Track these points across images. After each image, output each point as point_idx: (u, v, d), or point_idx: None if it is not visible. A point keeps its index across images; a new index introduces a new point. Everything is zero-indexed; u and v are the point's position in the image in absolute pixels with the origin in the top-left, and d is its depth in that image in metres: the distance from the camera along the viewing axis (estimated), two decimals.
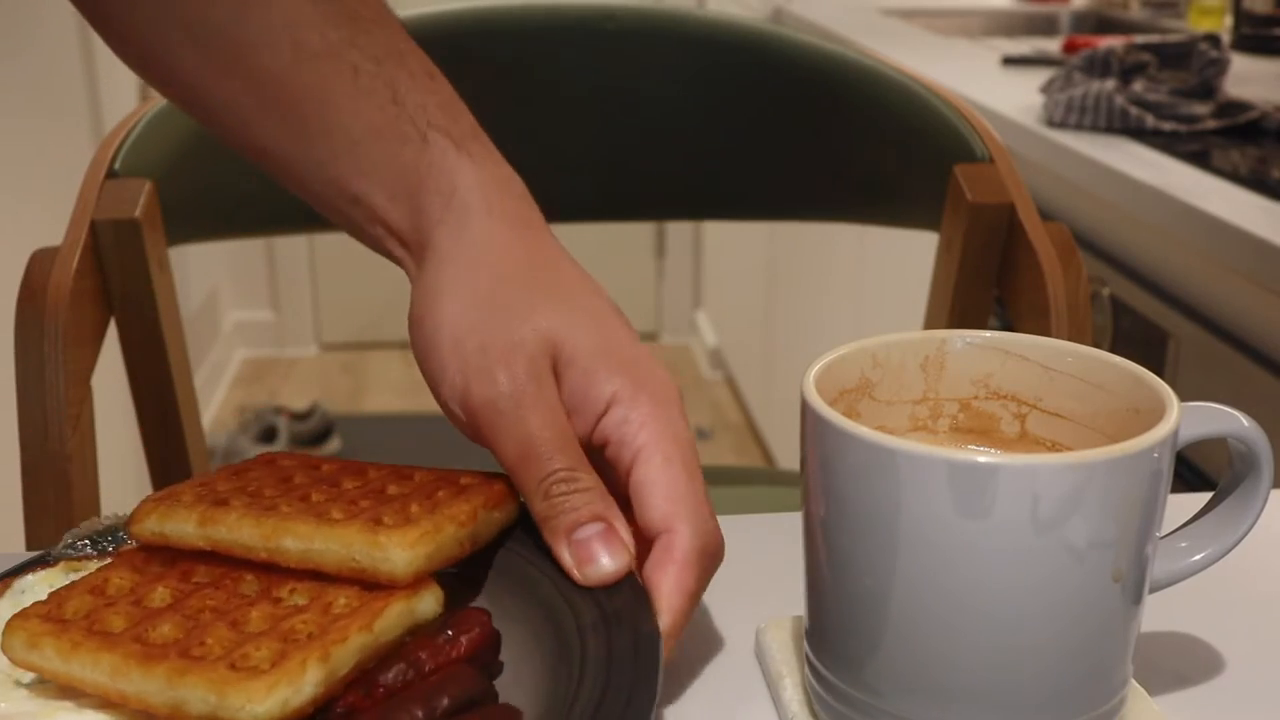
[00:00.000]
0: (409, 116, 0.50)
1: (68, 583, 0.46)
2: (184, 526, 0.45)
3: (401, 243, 0.52)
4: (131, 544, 0.48)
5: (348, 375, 3.17)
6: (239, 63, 0.50)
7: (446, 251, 0.50)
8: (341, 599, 0.43)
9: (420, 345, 0.50)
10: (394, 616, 0.42)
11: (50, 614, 0.43)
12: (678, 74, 0.88)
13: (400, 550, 0.43)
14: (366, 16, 0.52)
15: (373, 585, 0.43)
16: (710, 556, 0.46)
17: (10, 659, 0.42)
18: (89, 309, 0.74)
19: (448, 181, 0.50)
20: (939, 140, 0.84)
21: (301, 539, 0.44)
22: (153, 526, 0.46)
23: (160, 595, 0.44)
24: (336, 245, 3.25)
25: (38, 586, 0.47)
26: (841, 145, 0.90)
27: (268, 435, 2.63)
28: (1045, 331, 0.76)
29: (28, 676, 0.44)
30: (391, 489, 0.47)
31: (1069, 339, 0.73)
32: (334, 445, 2.72)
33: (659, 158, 0.92)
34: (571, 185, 0.93)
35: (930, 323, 0.88)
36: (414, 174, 0.50)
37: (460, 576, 0.47)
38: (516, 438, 0.46)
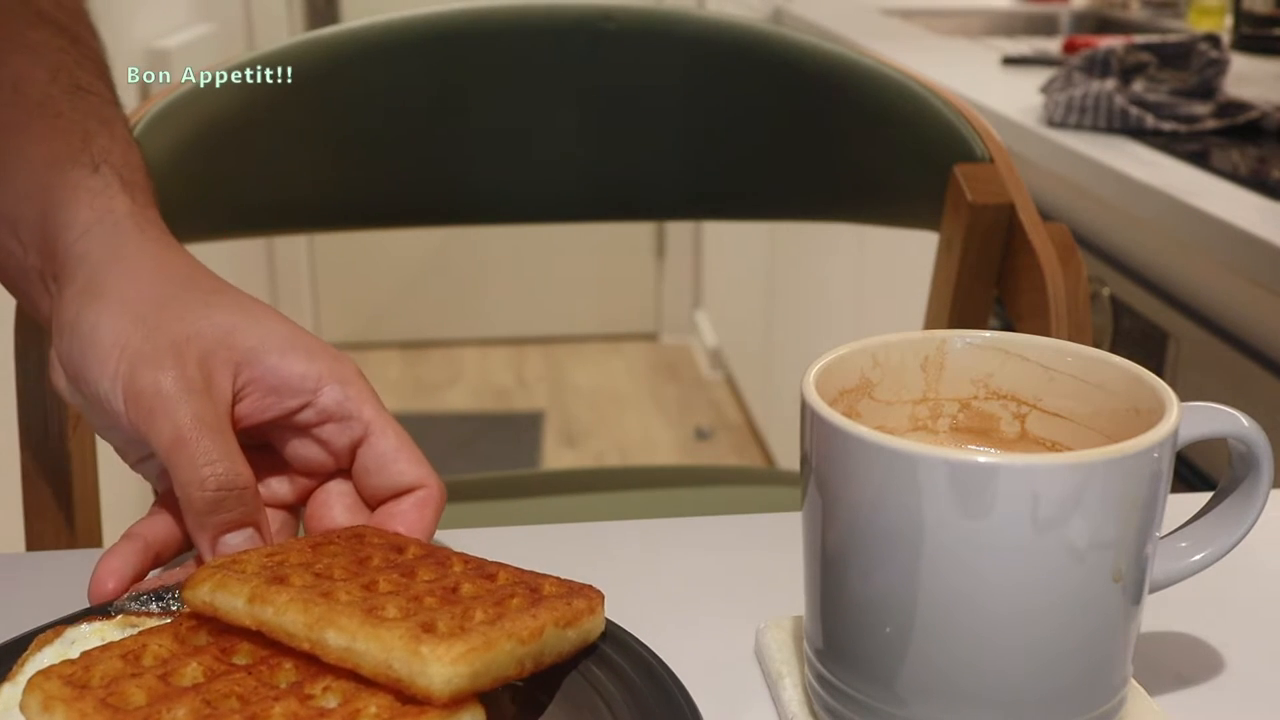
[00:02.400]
0: (90, 152, 0.55)
1: (120, 638, 0.44)
2: (234, 601, 0.43)
3: (46, 255, 0.53)
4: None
5: None
6: None
7: (100, 259, 0.52)
8: (373, 707, 0.39)
9: (78, 345, 0.50)
10: None
11: (72, 677, 0.40)
12: (677, 74, 0.88)
13: (440, 666, 0.39)
14: (86, 88, 0.57)
15: (409, 696, 0.40)
16: (444, 501, 0.54)
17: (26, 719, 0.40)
18: None
19: (106, 203, 0.54)
20: (939, 140, 0.84)
21: (344, 634, 0.41)
22: (204, 595, 0.44)
23: (191, 673, 0.41)
24: (336, 246, 3.26)
25: (90, 638, 0.45)
26: (841, 145, 0.90)
27: None
28: (1045, 331, 0.76)
29: None
30: (466, 588, 0.45)
31: (1069, 339, 0.73)
32: None
33: (657, 158, 0.92)
34: (570, 185, 0.93)
35: (930, 323, 0.88)
36: (79, 189, 0.54)
37: (522, 694, 0.44)
38: (175, 423, 0.48)
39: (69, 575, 0.55)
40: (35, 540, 0.71)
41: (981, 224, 0.81)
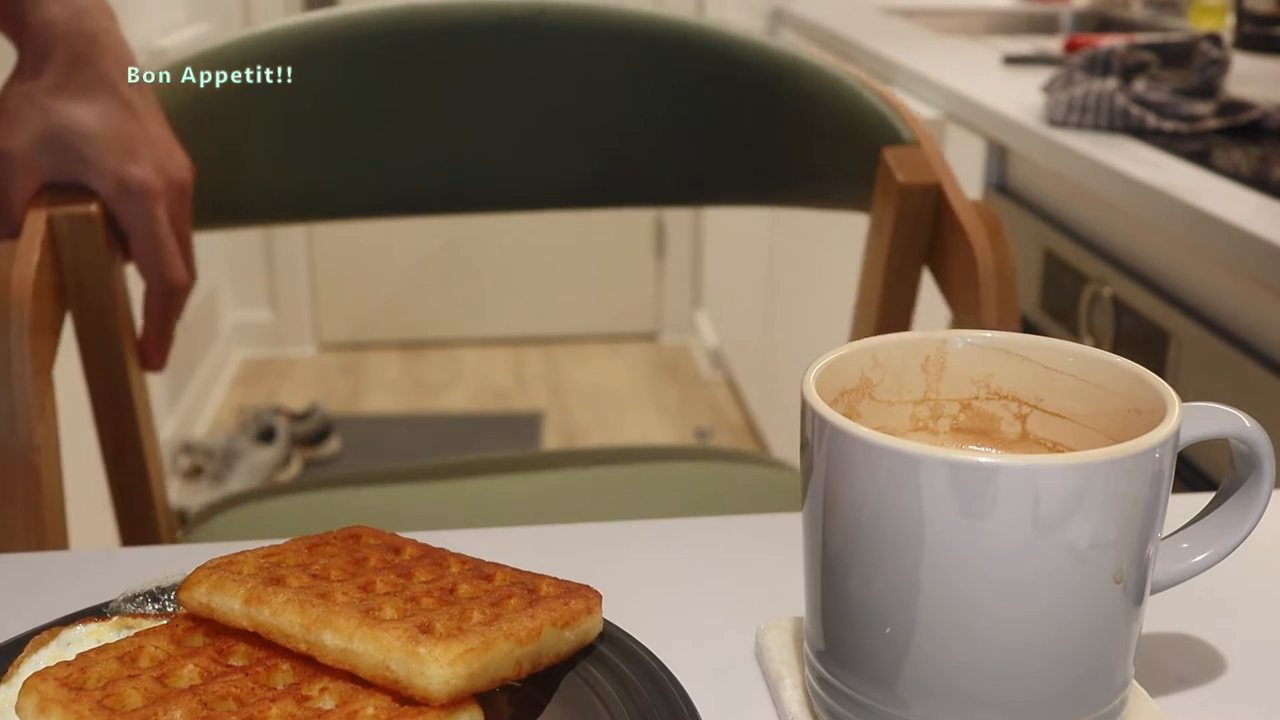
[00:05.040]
0: None
1: (116, 640, 0.44)
2: (231, 602, 0.43)
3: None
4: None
5: (346, 375, 3.16)
6: None
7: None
8: (370, 708, 0.39)
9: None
10: None
11: (69, 679, 0.40)
12: (608, 66, 0.90)
13: (438, 667, 0.39)
14: None
15: (407, 697, 0.40)
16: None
17: None
18: (48, 302, 0.74)
19: None
20: (867, 125, 0.87)
21: (342, 635, 0.40)
22: (201, 597, 0.44)
23: (188, 674, 0.41)
24: (335, 245, 3.25)
25: (86, 640, 0.45)
26: (775, 133, 0.92)
27: (267, 436, 2.63)
28: (977, 301, 0.79)
29: None
30: (463, 588, 0.45)
31: (999, 308, 0.75)
32: (334, 445, 2.71)
33: (595, 146, 0.93)
34: (528, 173, 0.93)
35: (862, 299, 0.91)
36: None
37: (520, 694, 0.44)
38: None
39: (65, 577, 0.55)
40: (5, 538, 0.71)
41: (910, 204, 0.84)
